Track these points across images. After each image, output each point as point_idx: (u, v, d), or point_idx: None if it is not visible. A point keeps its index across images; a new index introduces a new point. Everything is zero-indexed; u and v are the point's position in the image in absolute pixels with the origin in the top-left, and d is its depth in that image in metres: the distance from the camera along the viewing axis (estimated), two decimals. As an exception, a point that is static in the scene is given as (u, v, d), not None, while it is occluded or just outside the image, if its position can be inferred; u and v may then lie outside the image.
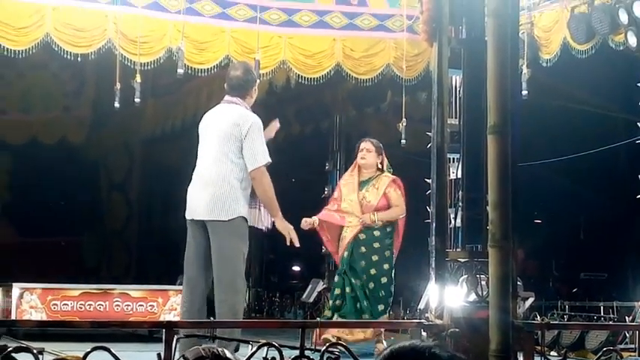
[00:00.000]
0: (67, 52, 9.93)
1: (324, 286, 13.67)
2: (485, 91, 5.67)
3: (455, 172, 6.74)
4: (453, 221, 6.65)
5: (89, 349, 4.95)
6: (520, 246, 6.19)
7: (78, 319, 9.55)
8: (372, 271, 8.72)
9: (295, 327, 6.54)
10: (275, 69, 10.75)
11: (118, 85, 10.08)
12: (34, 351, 5.03)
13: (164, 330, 5.44)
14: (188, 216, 6.84)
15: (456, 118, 6.79)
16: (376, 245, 8.75)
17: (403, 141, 11.44)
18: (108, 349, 5.04)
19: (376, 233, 8.76)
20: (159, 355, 5.18)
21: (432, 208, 6.50)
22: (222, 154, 6.71)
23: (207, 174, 6.76)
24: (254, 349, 5.37)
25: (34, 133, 17.71)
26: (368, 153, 8.94)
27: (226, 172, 6.68)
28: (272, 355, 5.34)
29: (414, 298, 13.08)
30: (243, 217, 6.64)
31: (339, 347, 5.50)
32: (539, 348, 6.36)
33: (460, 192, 6.61)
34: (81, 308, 10.08)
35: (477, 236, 6.42)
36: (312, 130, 15.00)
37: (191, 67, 10.30)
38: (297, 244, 6.79)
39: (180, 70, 10.07)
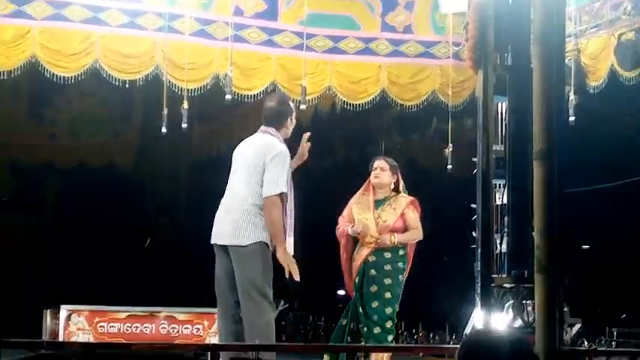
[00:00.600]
0: (115, 78, 10.07)
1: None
2: (531, 118, 5.68)
3: (500, 197, 6.74)
4: (498, 247, 6.65)
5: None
6: (567, 272, 6.16)
7: (124, 341, 9.63)
8: (387, 295, 8.13)
9: (340, 351, 6.56)
10: (320, 95, 10.83)
11: (166, 111, 10.19)
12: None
13: (209, 353, 5.48)
14: (212, 240, 6.92)
15: (501, 144, 6.80)
16: (387, 268, 8.19)
17: (449, 167, 11.44)
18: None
19: (387, 255, 8.22)
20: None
21: (478, 234, 6.50)
22: (246, 182, 6.77)
23: (230, 201, 6.84)
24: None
25: (82, 158, 17.91)
26: (382, 172, 8.38)
27: (247, 199, 6.74)
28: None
29: (459, 323, 13.02)
30: (264, 242, 6.67)
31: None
32: (586, 375, 6.31)
33: (506, 217, 6.60)
34: (127, 330, 10.17)
35: (522, 262, 6.41)
36: (357, 155, 15.02)
37: (238, 94, 10.40)
38: (297, 279, 6.75)
39: (228, 96, 10.15)
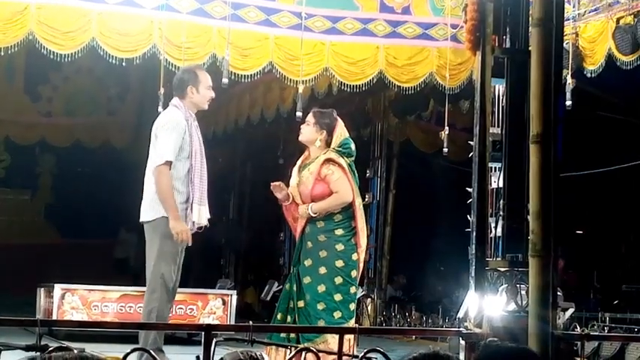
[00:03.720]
0: (112, 56, 10.03)
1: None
2: (529, 101, 5.66)
3: (496, 181, 6.72)
4: (493, 230, 6.63)
5: (129, 351, 5.00)
6: (561, 256, 6.15)
7: (118, 321, 9.63)
8: (322, 270, 6.99)
9: (333, 333, 6.55)
10: (318, 76, 10.79)
11: (162, 90, 10.15)
12: (75, 351, 5.07)
13: (203, 333, 5.47)
14: None
15: (498, 127, 6.77)
16: (322, 238, 7.03)
17: (445, 149, 11.42)
18: (147, 351, 5.10)
19: (320, 224, 7.06)
20: (197, 357, 5.22)
21: (473, 217, 6.47)
22: (150, 157, 6.85)
23: (145, 178, 6.91)
24: (292, 353, 5.39)
25: (77, 136, 17.92)
26: (306, 127, 7.24)
27: (150, 174, 6.81)
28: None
29: (453, 306, 13.05)
30: (167, 217, 6.69)
31: (377, 353, 5.50)
32: (578, 359, 6.32)
33: (501, 201, 6.58)
34: (121, 310, 10.16)
35: (517, 246, 6.40)
36: (353, 137, 14.91)
37: (234, 73, 10.36)
38: (190, 244, 6.72)
39: (225, 80, 10.05)
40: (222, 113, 14.52)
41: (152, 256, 6.73)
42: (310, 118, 7.26)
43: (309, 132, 7.22)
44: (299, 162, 7.33)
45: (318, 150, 7.20)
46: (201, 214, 6.81)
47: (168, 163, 6.67)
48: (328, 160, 7.11)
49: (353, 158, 7.34)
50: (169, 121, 6.81)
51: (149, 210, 6.78)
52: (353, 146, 7.36)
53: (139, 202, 6.94)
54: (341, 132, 7.28)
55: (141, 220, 6.85)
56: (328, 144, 7.20)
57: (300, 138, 7.29)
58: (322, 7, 10.63)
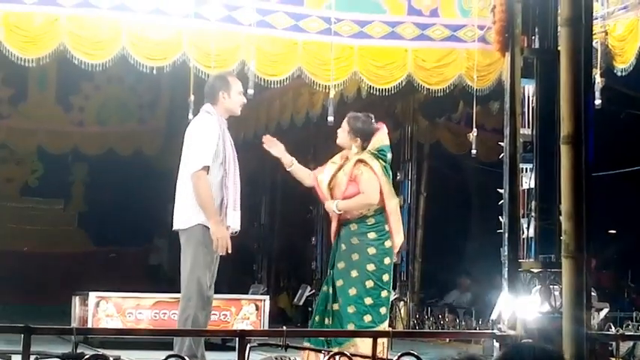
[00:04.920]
0: (142, 65, 10.08)
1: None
2: (559, 101, 5.65)
3: (527, 182, 6.71)
4: (525, 231, 6.62)
5: (163, 358, 5.03)
6: (594, 257, 6.13)
7: (152, 328, 9.68)
8: (354, 274, 7.08)
9: (367, 337, 6.56)
10: (346, 80, 10.79)
11: (192, 97, 10.18)
12: (111, 359, 5.12)
13: (237, 338, 5.50)
14: None
15: (528, 127, 6.77)
16: (355, 241, 7.14)
17: (474, 151, 11.38)
18: (182, 357, 5.13)
19: (353, 227, 7.17)
20: (232, 363, 5.25)
21: (505, 219, 6.46)
22: (183, 164, 6.87)
23: (177, 185, 6.92)
24: (326, 357, 5.42)
25: (109, 145, 18.04)
26: (341, 133, 7.38)
27: (184, 181, 6.82)
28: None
29: (486, 308, 13.00)
30: (202, 224, 6.69)
31: (410, 357, 5.50)
32: (613, 359, 6.30)
33: (533, 202, 6.58)
34: (155, 317, 10.21)
35: (550, 246, 6.39)
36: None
37: (264, 79, 10.38)
38: (230, 251, 6.72)
39: (250, 91, 10.01)
40: (252, 119, 14.56)
41: (187, 264, 6.76)
42: (344, 124, 7.40)
43: (343, 138, 7.38)
44: (338, 160, 7.41)
45: (353, 153, 7.32)
46: (235, 219, 6.85)
47: (206, 168, 6.71)
48: (359, 161, 7.21)
49: (387, 165, 7.37)
50: (203, 127, 6.86)
51: (183, 217, 6.80)
52: (390, 155, 7.41)
53: (172, 209, 6.97)
54: (381, 138, 7.37)
55: (175, 227, 6.87)
56: (364, 148, 7.29)
57: (338, 142, 7.45)
58: (350, 11, 10.63)
